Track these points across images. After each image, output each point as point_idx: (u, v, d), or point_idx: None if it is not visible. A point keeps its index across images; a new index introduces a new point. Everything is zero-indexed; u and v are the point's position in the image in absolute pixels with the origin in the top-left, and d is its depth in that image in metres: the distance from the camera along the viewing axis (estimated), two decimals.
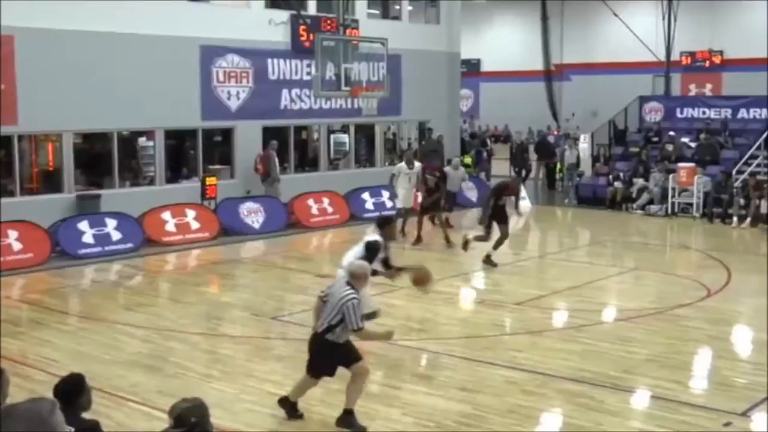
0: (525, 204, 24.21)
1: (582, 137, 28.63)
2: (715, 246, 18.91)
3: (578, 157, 27.77)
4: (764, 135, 25.36)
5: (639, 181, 24.40)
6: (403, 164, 19.35)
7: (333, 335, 7.87)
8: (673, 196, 23.27)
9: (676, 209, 23.18)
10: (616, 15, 31.39)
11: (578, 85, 33.78)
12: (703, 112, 28.40)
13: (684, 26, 30.63)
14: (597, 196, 24.48)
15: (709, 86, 31.26)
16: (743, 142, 25.73)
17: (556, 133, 32.31)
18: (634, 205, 23.85)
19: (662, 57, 31.01)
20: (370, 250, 10.31)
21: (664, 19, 30.69)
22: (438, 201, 18.50)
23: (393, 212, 14.02)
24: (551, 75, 35.20)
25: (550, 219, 24.22)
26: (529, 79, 35.16)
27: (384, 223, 11.04)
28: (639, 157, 25.89)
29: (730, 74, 30.40)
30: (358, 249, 10.38)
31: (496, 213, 15.93)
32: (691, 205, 23.02)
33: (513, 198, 16.74)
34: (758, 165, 24.12)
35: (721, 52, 30.67)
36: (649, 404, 8.89)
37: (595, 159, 27.67)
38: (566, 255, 17.99)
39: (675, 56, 31.33)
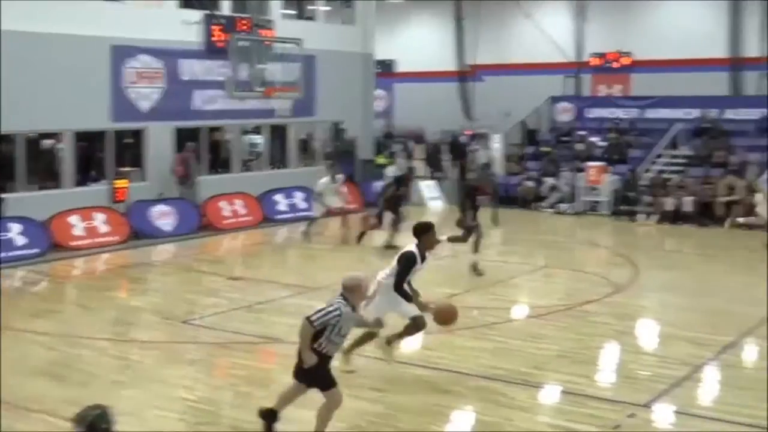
0: (437, 204, 24.42)
1: (494, 137, 28.93)
2: (622, 243, 19.35)
3: (491, 157, 28.06)
4: (670, 134, 26.08)
5: (549, 180, 24.82)
6: (326, 179, 19.27)
7: (318, 345, 7.46)
8: (583, 195, 23.72)
9: (585, 207, 23.63)
10: (528, 17, 31.77)
11: (491, 85, 34.05)
12: (612, 112, 29.05)
13: (595, 28, 31.15)
14: (509, 195, 24.80)
15: (618, 87, 31.84)
16: (650, 142, 26.37)
17: (468, 133, 32.53)
18: (545, 204, 24.25)
19: (574, 58, 31.51)
20: (407, 261, 9.35)
21: (576, 20, 31.17)
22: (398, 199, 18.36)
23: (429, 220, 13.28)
24: (465, 75, 35.44)
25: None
26: (443, 80, 35.32)
27: (421, 231, 9.71)
28: (550, 157, 26.32)
29: (638, 75, 30.97)
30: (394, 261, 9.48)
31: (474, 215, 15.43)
32: (599, 203, 23.50)
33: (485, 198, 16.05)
34: (665, 164, 24.79)
35: (629, 54, 31.24)
36: (559, 399, 9.03)
37: (507, 159, 27.99)
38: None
39: (586, 57, 31.87)
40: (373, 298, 9.26)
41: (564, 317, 12.33)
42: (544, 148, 27.62)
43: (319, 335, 7.39)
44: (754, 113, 26.36)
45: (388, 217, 18.03)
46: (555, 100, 30.37)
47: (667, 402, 8.71)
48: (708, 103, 26.86)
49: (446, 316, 9.31)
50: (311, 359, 7.37)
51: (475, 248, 15.24)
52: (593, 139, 27.26)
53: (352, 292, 7.65)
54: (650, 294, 14.21)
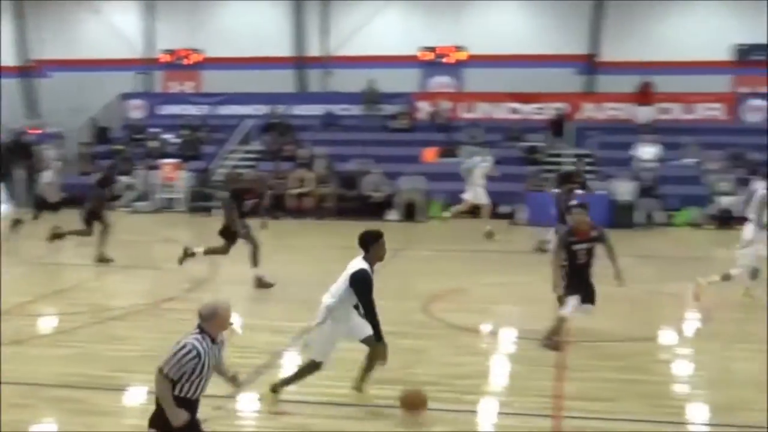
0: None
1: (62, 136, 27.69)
2: (199, 238, 19.38)
3: (60, 157, 26.75)
4: (242, 130, 26.70)
5: (124, 179, 24.24)
6: None
7: (179, 391, 6.22)
8: (158, 192, 23.48)
9: (162, 205, 23.42)
10: (97, 12, 30.83)
11: (59, 81, 32.53)
12: (185, 109, 29.09)
13: (166, 25, 31.02)
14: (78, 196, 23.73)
15: (190, 84, 32.00)
16: (223, 137, 26.80)
17: (34, 131, 30.81)
18: (120, 203, 23.65)
19: (144, 54, 31.10)
20: (365, 281, 7.95)
21: (145, 17, 30.82)
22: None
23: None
24: (28, 71, 33.51)
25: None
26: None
27: (370, 241, 8.18)
28: (122, 155, 25.72)
29: (209, 72, 31.38)
30: (341, 281, 8.12)
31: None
32: (175, 200, 23.42)
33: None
34: (239, 159, 25.32)
35: (199, 51, 31.50)
36: (145, 400, 8.75)
37: (80, 158, 26.89)
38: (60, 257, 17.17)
39: (156, 54, 31.59)
40: (321, 325, 8.22)
41: (145, 316, 12.06)
42: (116, 147, 26.92)
43: (177, 381, 6.22)
44: (318, 109, 27.87)
45: None
46: (126, 96, 29.73)
47: (252, 390, 8.80)
48: (276, 100, 27.91)
49: (416, 402, 8.05)
50: (181, 416, 6.17)
51: (254, 261, 13.98)
52: (166, 136, 27.11)
53: (210, 320, 6.33)
54: (229, 287, 14.33)
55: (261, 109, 27.88)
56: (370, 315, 7.95)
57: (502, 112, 27.38)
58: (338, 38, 31.77)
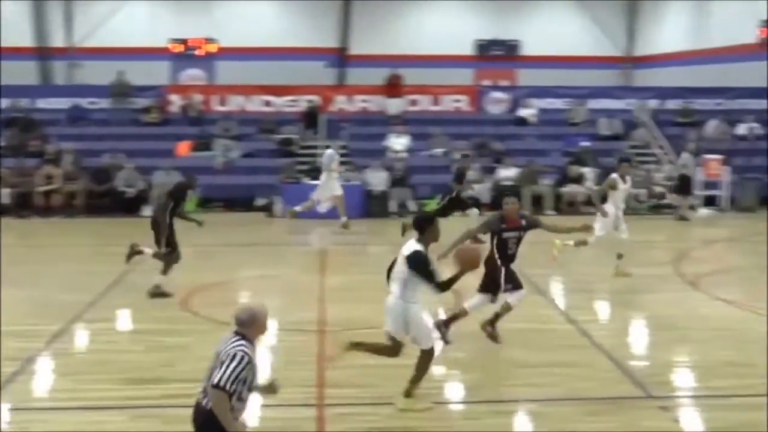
0: None
1: None
2: None
3: None
4: None
5: None
6: None
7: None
8: None
9: None
10: None
11: None
12: None
13: None
14: None
15: None
16: None
17: None
18: None
19: None
20: (425, 262, 7.93)
21: None
22: None
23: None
24: None
25: None
26: None
27: (425, 223, 8.19)
28: None
29: None
30: (399, 270, 8.05)
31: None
32: None
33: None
34: None
35: None
36: None
37: None
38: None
39: None
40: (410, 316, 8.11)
41: None
42: None
43: (231, 394, 5.69)
44: (64, 102, 26.60)
45: None
46: None
47: (4, 401, 8.29)
48: (18, 93, 26.34)
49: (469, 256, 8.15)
50: (240, 428, 5.81)
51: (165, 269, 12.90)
52: None
53: (251, 326, 5.91)
54: None
55: (2, 103, 26.23)
56: (440, 287, 7.97)
57: (255, 104, 27.25)
58: (84, 28, 30.50)
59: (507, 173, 22.42)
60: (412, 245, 8.15)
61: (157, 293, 12.60)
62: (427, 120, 26.03)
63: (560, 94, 27.76)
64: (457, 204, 17.67)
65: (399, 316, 8.15)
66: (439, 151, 24.25)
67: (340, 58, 32.56)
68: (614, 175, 14.56)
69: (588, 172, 22.68)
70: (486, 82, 32.33)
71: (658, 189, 22.90)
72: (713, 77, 31.36)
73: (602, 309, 13.00)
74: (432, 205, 21.64)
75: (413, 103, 27.03)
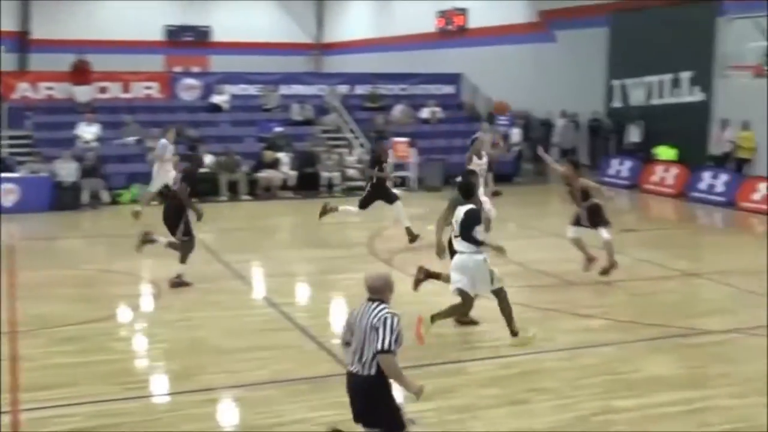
0: None
1: None
2: None
3: None
4: None
5: None
6: None
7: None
8: None
9: None
10: None
11: None
12: None
13: None
14: None
15: None
16: None
17: None
18: None
19: None
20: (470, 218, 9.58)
21: None
22: None
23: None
24: None
25: None
26: None
27: (471, 189, 10.09)
28: None
29: None
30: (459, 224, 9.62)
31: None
32: None
33: None
34: None
35: None
36: None
37: None
38: None
39: None
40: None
41: None
42: None
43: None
44: None
45: None
46: None
47: None
48: None
49: None
50: (417, 382, 6.33)
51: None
52: None
53: (385, 291, 6.26)
54: None
55: None
56: (477, 243, 9.61)
57: None
58: None
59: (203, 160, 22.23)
60: (464, 207, 9.72)
61: (179, 282, 12.47)
62: (118, 107, 25.21)
63: (252, 80, 27.90)
64: (381, 191, 16.03)
65: (468, 270, 9.66)
66: (131, 139, 23.57)
67: (20, 42, 30.68)
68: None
69: (283, 156, 23.04)
70: (177, 69, 31.86)
71: (351, 172, 23.71)
72: (398, 64, 33.01)
73: (301, 291, 13.31)
74: (126, 195, 21.07)
75: (102, 90, 26.02)
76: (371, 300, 6.22)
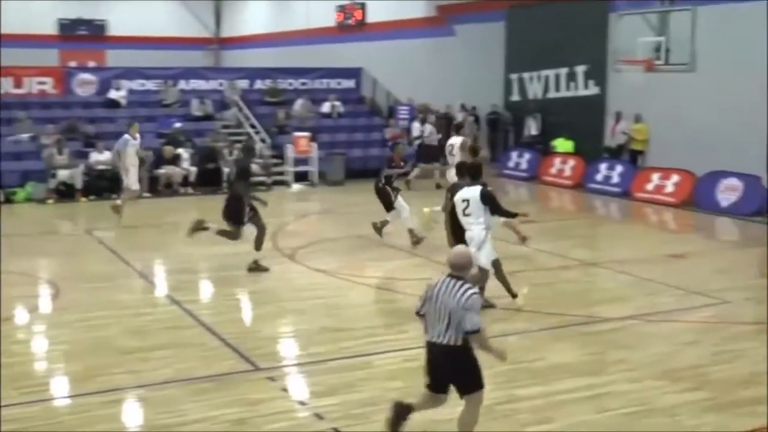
0: None
1: None
2: None
3: None
4: None
5: None
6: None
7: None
8: None
9: None
10: None
11: None
12: None
13: None
14: None
15: None
16: None
17: None
18: None
19: None
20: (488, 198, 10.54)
21: None
22: None
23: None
24: None
25: None
26: None
27: (478, 172, 10.90)
28: None
29: None
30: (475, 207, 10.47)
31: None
32: None
33: None
34: None
35: None
36: None
37: None
38: None
39: None
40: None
41: None
42: None
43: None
44: None
45: None
46: None
47: None
48: None
49: None
50: (502, 349, 6.86)
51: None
52: None
53: (465, 269, 6.68)
54: None
55: None
56: (507, 213, 10.94)
57: None
58: None
59: (100, 157, 21.77)
60: (474, 188, 10.56)
61: (258, 267, 13.24)
62: (11, 103, 24.44)
63: (150, 76, 27.44)
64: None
65: (482, 242, 10.49)
66: (25, 136, 22.90)
67: None
68: None
69: (183, 152, 22.73)
70: (72, 63, 31.09)
71: (253, 167, 23.49)
72: (298, 58, 32.91)
73: (204, 288, 13.18)
74: (21, 194, 20.51)
75: None
76: (453, 276, 6.60)
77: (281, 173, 24.06)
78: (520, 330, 10.31)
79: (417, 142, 26.37)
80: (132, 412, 8.06)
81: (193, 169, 22.58)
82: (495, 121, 27.22)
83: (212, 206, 17.64)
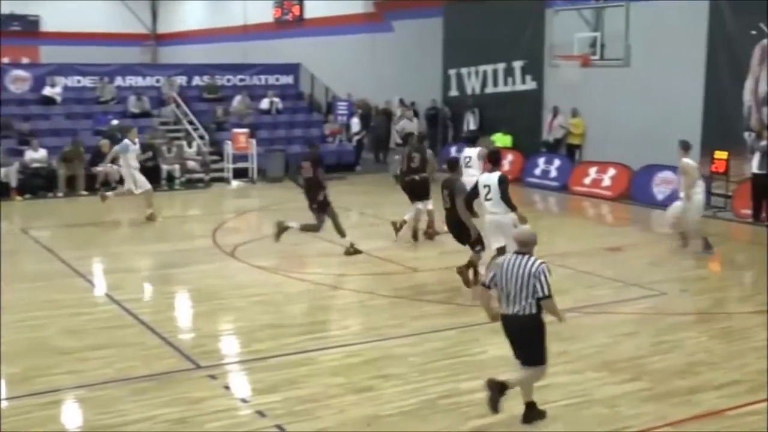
0: None
1: None
2: None
3: None
4: None
5: None
6: None
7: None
8: None
9: None
10: None
11: None
12: None
13: None
14: None
15: None
16: None
17: None
18: None
19: None
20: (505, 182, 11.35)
21: None
22: None
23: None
24: None
25: None
26: None
27: (499, 158, 11.92)
28: None
29: None
30: (495, 192, 11.21)
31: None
32: None
33: None
34: None
35: None
36: None
37: None
38: None
39: None
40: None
41: None
42: None
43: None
44: None
45: None
46: None
47: None
48: None
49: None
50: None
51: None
52: None
53: (531, 246, 7.43)
54: None
55: None
56: (510, 204, 11.28)
57: None
58: None
59: (35, 155, 21.39)
60: (494, 174, 11.37)
61: (354, 251, 13.91)
62: None
63: (86, 72, 27.02)
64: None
65: (504, 227, 11.03)
66: None
67: None
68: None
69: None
70: (5, 60, 30.44)
71: (191, 164, 23.32)
72: (235, 54, 32.68)
73: (144, 287, 13.03)
74: None
75: None
76: (520, 253, 7.34)
77: (220, 170, 23.90)
78: (460, 324, 10.37)
79: (356, 137, 26.42)
80: (72, 413, 7.95)
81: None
82: (434, 117, 27.33)
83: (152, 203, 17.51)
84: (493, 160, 11.79)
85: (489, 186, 11.34)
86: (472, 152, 15.37)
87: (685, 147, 14.34)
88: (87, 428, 7.58)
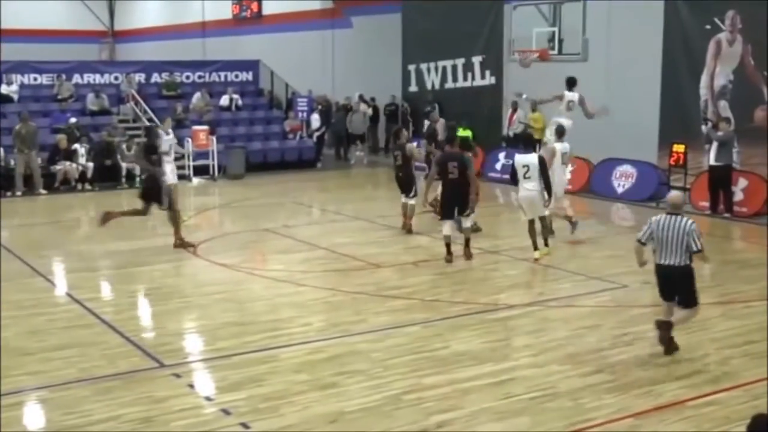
0: None
1: None
2: None
3: None
4: None
5: None
6: None
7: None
8: None
9: None
10: None
11: None
12: None
13: None
14: None
15: None
16: None
17: None
18: None
19: None
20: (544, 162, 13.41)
21: None
22: None
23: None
24: None
25: None
26: None
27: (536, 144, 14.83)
28: None
29: None
30: (534, 171, 13.06)
31: None
32: None
33: None
34: None
35: None
36: None
37: None
38: None
39: None
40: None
41: None
42: None
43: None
44: None
45: None
46: None
47: None
48: None
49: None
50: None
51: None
52: None
53: (681, 207, 9.02)
54: None
55: None
56: (549, 184, 13.13)
57: None
58: None
59: None
60: (532, 155, 13.47)
61: (475, 229, 14.64)
62: None
63: (43, 70, 26.73)
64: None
65: (538, 201, 13.10)
66: None
67: None
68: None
69: (79, 148, 22.20)
70: None
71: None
72: (194, 51, 32.48)
73: (105, 286, 12.93)
74: None
75: None
76: (672, 214, 8.78)
77: (181, 167, 23.74)
78: (423, 320, 10.41)
79: (317, 134, 26.38)
80: (35, 414, 7.87)
81: (90, 165, 22.06)
82: (393, 113, 27.36)
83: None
84: (526, 142, 15.96)
85: (528, 166, 13.08)
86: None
87: (560, 133, 15.65)
88: (51, 429, 7.51)
